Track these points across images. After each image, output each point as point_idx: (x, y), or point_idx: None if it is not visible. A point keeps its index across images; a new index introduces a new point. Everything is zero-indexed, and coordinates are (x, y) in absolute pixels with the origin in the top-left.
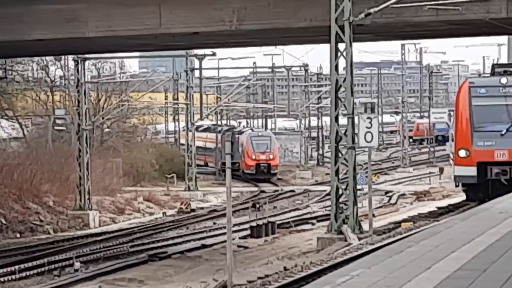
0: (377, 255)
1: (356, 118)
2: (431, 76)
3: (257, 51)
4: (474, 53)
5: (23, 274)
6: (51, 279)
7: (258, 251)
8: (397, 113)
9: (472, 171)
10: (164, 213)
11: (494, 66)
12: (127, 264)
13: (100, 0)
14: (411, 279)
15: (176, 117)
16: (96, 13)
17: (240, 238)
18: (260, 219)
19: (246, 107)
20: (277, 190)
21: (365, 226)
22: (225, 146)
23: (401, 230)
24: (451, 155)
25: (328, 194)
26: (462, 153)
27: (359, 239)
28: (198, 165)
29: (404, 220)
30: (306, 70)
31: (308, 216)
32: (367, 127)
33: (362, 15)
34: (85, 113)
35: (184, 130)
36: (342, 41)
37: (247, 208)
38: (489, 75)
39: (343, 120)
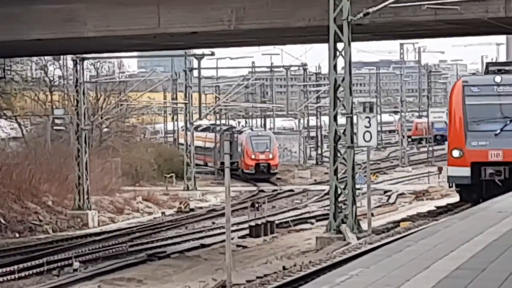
0: (376, 254)
1: (355, 118)
2: (429, 76)
3: (256, 51)
4: (473, 53)
5: (22, 274)
6: (50, 278)
7: (257, 251)
8: (395, 112)
9: (465, 171)
10: (163, 213)
11: (488, 64)
12: (126, 263)
13: (99, 0)
14: (410, 279)
15: (175, 117)
16: (94, 13)
17: (239, 237)
18: (259, 218)
19: (245, 106)
20: (276, 190)
21: (364, 225)
22: (224, 146)
23: (400, 230)
24: None
25: (327, 193)
26: (455, 153)
27: (358, 238)
28: (197, 165)
29: (403, 220)
30: (304, 70)
31: (307, 215)
32: (365, 127)
33: (361, 14)
34: (84, 113)
35: (183, 130)
36: (341, 41)
37: (246, 207)
38: (483, 73)
39: (342, 120)
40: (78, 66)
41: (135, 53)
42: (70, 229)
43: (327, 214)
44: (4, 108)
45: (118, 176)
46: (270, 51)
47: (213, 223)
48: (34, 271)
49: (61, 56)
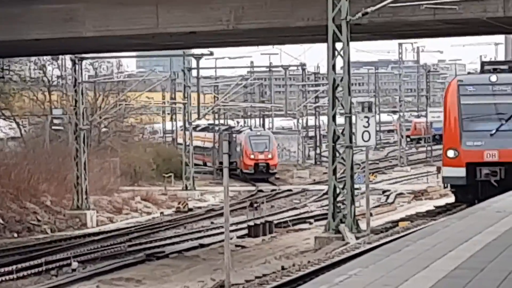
0: (374, 254)
1: (353, 117)
2: (428, 75)
3: (255, 51)
4: (471, 52)
5: (21, 274)
6: (48, 279)
7: (256, 251)
8: (394, 112)
9: (461, 172)
10: (161, 213)
11: (483, 63)
12: (124, 263)
13: (98, 0)
14: (408, 278)
15: (174, 117)
16: (93, 13)
17: (237, 237)
18: (258, 218)
19: (244, 106)
20: (275, 190)
21: (363, 225)
22: (222, 146)
23: (398, 229)
24: None
25: (326, 193)
26: (450, 153)
27: (357, 238)
28: (196, 165)
29: (402, 219)
30: (303, 70)
31: (306, 215)
32: (364, 126)
33: (359, 14)
34: (83, 113)
35: (182, 130)
36: (340, 40)
37: (245, 207)
38: (478, 73)
39: (340, 120)
40: (76, 66)
41: (133, 53)
42: (68, 229)
43: (326, 214)
44: (2, 108)
45: (117, 176)
46: (268, 51)
47: (212, 223)
48: (33, 271)
49: (60, 56)
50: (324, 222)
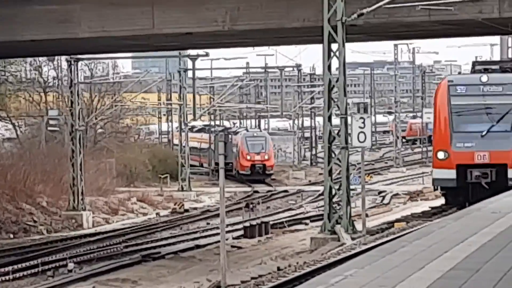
0: (370, 255)
1: (349, 118)
2: (424, 76)
3: (250, 52)
4: (467, 53)
5: (17, 275)
6: (44, 279)
7: (252, 251)
8: (390, 113)
9: (451, 174)
10: (157, 214)
11: (474, 63)
12: (120, 264)
13: (93, 1)
14: (404, 279)
15: (170, 118)
16: (89, 13)
17: (233, 238)
18: (254, 219)
19: (239, 107)
20: (271, 190)
21: (358, 226)
22: (218, 147)
23: (394, 230)
24: None
25: (322, 194)
26: (440, 155)
27: (353, 239)
28: (192, 166)
29: (397, 220)
30: (299, 71)
31: (302, 216)
32: (360, 127)
33: (355, 15)
34: (78, 114)
35: (178, 131)
36: (335, 41)
37: (241, 208)
38: (469, 73)
39: (336, 120)
40: (72, 66)
41: (129, 54)
42: (64, 230)
43: (322, 215)
44: None
45: (113, 177)
46: (264, 52)
47: (208, 223)
48: (29, 272)
49: (56, 57)
50: (319, 223)
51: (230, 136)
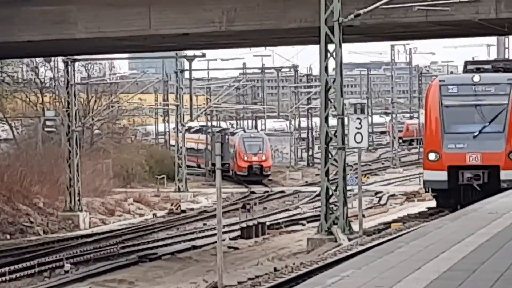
0: (367, 255)
1: (346, 119)
2: (420, 77)
3: (247, 52)
4: (464, 54)
5: (13, 276)
6: (41, 280)
7: (248, 252)
8: (387, 113)
9: (442, 175)
10: (154, 214)
11: (466, 63)
12: (117, 265)
13: (90, 2)
14: (401, 280)
15: (166, 118)
16: (85, 14)
17: (230, 239)
18: (250, 220)
19: (236, 108)
20: (267, 191)
21: (355, 226)
22: (215, 147)
23: (391, 231)
24: None
25: (318, 195)
26: (431, 156)
27: (349, 239)
28: (189, 166)
29: (394, 221)
30: (296, 71)
31: (298, 217)
32: (357, 128)
33: (352, 16)
34: (75, 115)
35: (175, 132)
36: (332, 42)
37: (238, 209)
38: (461, 72)
39: (333, 121)
40: (69, 67)
41: (126, 55)
42: (61, 230)
43: (318, 216)
44: None
45: (109, 177)
46: (261, 52)
47: (205, 224)
48: (25, 273)
49: (52, 58)
50: (316, 223)
51: (227, 137)
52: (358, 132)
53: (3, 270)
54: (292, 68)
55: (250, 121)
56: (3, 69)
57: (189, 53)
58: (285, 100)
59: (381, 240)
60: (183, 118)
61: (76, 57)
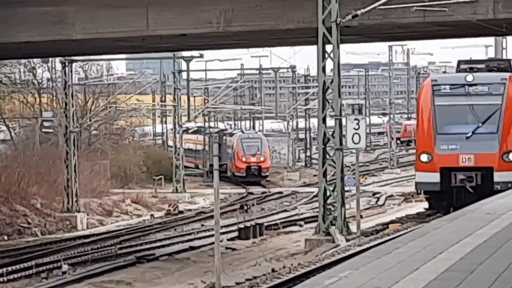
0: (365, 256)
1: (343, 120)
2: (418, 78)
3: (245, 53)
4: (461, 55)
5: (11, 277)
6: (39, 281)
7: (246, 253)
8: (384, 114)
9: (434, 177)
10: (151, 215)
11: (459, 62)
12: (115, 266)
13: (88, 2)
14: (399, 280)
15: (164, 119)
16: (83, 15)
17: (228, 239)
18: (248, 220)
19: (234, 109)
20: (265, 192)
21: (353, 227)
22: (212, 148)
23: (389, 231)
24: None
25: (316, 195)
26: (423, 157)
27: (347, 240)
28: (188, 167)
29: (392, 221)
30: (293, 72)
31: (296, 217)
32: (354, 129)
33: (349, 16)
34: (73, 115)
35: (172, 132)
36: (330, 43)
37: (235, 209)
38: (454, 72)
39: (330, 122)
40: (66, 68)
41: (123, 55)
42: (59, 231)
43: (316, 216)
44: None
45: (107, 178)
46: (259, 53)
47: (202, 225)
48: (23, 274)
49: (50, 59)
50: (314, 224)
51: (225, 137)
52: (356, 133)
53: (0, 271)
54: (290, 69)
55: (247, 122)
56: (0, 70)
57: (187, 54)
58: (283, 100)
59: (379, 240)
60: (181, 119)
61: (73, 58)
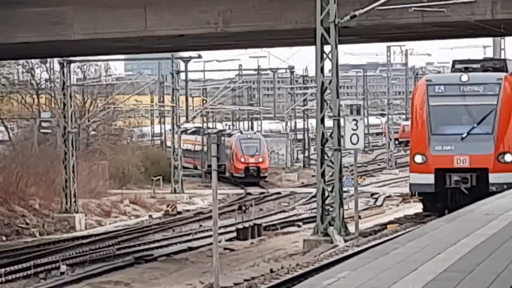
0: (363, 257)
1: (342, 120)
2: (416, 78)
3: (243, 54)
4: (459, 55)
5: (9, 277)
6: (37, 282)
7: (244, 254)
8: (382, 115)
9: (429, 178)
10: (150, 216)
11: (454, 62)
12: (113, 267)
13: (86, 3)
14: (397, 281)
15: (162, 120)
16: (81, 15)
17: (226, 240)
18: (246, 221)
19: (232, 109)
20: (263, 193)
21: (351, 228)
22: (210, 149)
23: (387, 232)
24: None
25: (314, 196)
26: (418, 158)
27: (345, 241)
28: (186, 168)
29: (390, 222)
30: (291, 72)
31: (294, 218)
32: (353, 129)
33: (348, 17)
34: (71, 116)
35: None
36: (328, 43)
37: (234, 210)
38: (449, 72)
39: (329, 122)
40: (65, 69)
41: (122, 56)
42: (57, 232)
43: (314, 217)
44: None
45: (105, 179)
46: (257, 53)
47: (201, 226)
48: (21, 274)
49: (48, 59)
50: (312, 225)
51: (223, 138)
52: (354, 133)
53: None
54: (288, 69)
55: (246, 123)
56: None
57: (185, 54)
58: (281, 101)
59: (377, 241)
60: (179, 120)
61: (72, 58)
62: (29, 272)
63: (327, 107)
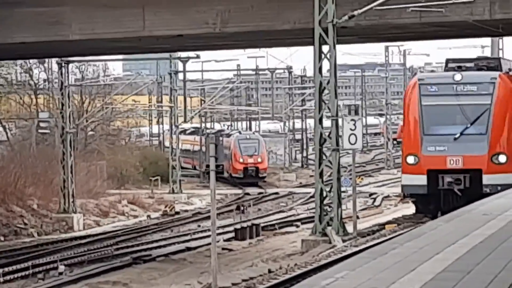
0: (361, 257)
1: (340, 120)
2: None
3: (241, 54)
4: (458, 55)
5: (7, 278)
6: (35, 282)
7: (243, 254)
8: (381, 115)
9: (421, 180)
10: (148, 216)
11: (448, 60)
12: (111, 267)
13: (84, 3)
14: (395, 281)
15: (160, 120)
16: (79, 15)
17: (224, 240)
18: (245, 221)
19: (230, 109)
20: (262, 193)
21: (350, 228)
22: (209, 149)
23: (385, 232)
24: None
25: (312, 196)
26: (410, 159)
27: (344, 241)
28: (185, 168)
29: (388, 222)
30: (290, 73)
31: (293, 218)
32: (351, 129)
33: (346, 17)
34: (69, 116)
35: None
36: (326, 43)
37: (232, 210)
38: (441, 71)
39: (327, 122)
40: (63, 69)
41: (120, 56)
42: (55, 232)
43: (313, 217)
44: None
45: (103, 179)
46: (255, 54)
47: (199, 226)
48: (19, 274)
49: (46, 59)
50: (311, 225)
51: (221, 138)
52: (352, 134)
53: None
54: (286, 70)
55: (244, 123)
56: None
57: (183, 54)
58: (279, 101)
59: (376, 241)
60: (177, 120)
61: (70, 58)
62: (27, 272)
63: (325, 107)
